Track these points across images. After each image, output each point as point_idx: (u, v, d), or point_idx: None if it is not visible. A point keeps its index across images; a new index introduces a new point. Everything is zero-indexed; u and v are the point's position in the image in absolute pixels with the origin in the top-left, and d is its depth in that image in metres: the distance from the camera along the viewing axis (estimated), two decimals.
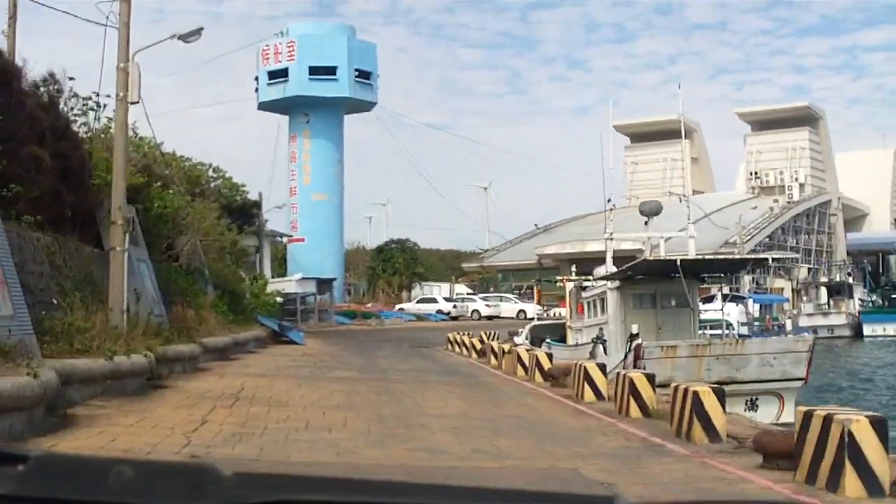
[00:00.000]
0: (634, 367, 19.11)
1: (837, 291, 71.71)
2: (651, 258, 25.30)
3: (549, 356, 20.32)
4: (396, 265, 72.48)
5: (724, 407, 10.53)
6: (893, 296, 71.35)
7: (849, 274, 78.42)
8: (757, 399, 21.28)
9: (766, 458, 8.76)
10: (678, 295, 23.34)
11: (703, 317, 27.94)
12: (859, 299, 72.82)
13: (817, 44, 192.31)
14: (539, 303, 49.50)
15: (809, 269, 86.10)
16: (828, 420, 7.46)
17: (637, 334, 21.54)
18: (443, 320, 56.27)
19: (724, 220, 66.44)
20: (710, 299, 37.27)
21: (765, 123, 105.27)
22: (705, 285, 28.68)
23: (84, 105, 20.45)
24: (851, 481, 7.19)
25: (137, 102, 17.70)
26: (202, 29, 18.79)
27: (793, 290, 79.43)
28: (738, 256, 36.12)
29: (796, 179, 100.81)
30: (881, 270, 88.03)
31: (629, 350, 21.06)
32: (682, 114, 34.53)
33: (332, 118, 62.02)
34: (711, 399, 10.41)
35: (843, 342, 62.00)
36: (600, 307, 25.91)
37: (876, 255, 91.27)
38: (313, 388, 16.16)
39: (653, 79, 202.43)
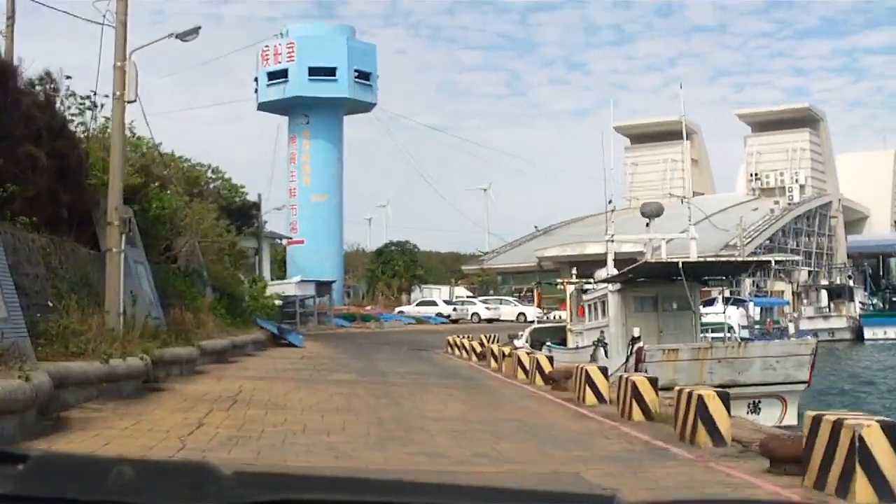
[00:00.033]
0: (636, 370, 18.96)
1: (838, 294, 71.48)
2: (652, 260, 25.12)
3: (550, 359, 20.13)
4: (396, 267, 72.30)
5: (728, 410, 10.37)
6: (894, 299, 71.13)
7: (849, 277, 78.17)
8: (759, 402, 21.11)
9: (772, 463, 8.58)
10: (680, 298, 23.17)
11: (703, 320, 27.75)
12: (860, 302, 72.59)
13: (817, 46, 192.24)
14: (539, 306, 49.32)
15: (810, 272, 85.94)
16: (838, 425, 7.29)
17: (638, 337, 21.36)
18: (442, 323, 56.07)
19: (725, 222, 66.34)
20: (710, 302, 37.11)
21: (765, 125, 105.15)
22: (706, 288, 28.52)
23: (81, 104, 20.27)
24: (862, 486, 7.01)
25: (134, 101, 17.55)
26: (199, 28, 18.65)
27: (793, 292, 79.25)
28: (740, 259, 35.96)
29: (797, 181, 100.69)
30: (881, 273, 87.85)
31: (630, 353, 20.88)
32: (684, 115, 34.41)
33: (331, 119, 61.88)
34: (716, 402, 10.24)
35: (844, 345, 61.74)
36: (601, 310, 25.73)
37: (876, 257, 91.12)
38: (312, 391, 16.00)
39: (653, 81, 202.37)
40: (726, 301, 34.59)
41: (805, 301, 75.24)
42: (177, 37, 18.54)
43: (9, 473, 1.49)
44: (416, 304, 63.09)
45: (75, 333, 13.89)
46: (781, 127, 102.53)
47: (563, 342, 29.37)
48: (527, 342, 30.20)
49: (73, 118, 20.90)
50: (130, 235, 18.91)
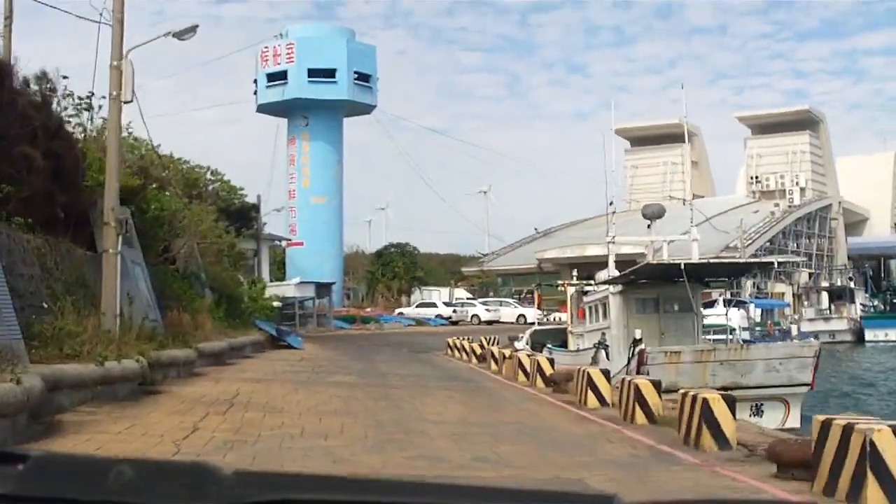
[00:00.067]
0: (638, 372, 18.78)
1: (839, 296, 71.34)
2: (654, 262, 24.93)
3: (551, 361, 19.94)
4: (396, 269, 72.12)
5: (734, 414, 10.18)
6: (895, 300, 70.95)
7: (850, 278, 78.03)
8: (762, 405, 20.94)
9: (780, 468, 8.40)
10: (682, 299, 23.00)
11: (704, 322, 27.57)
12: (860, 304, 72.43)
13: (817, 48, 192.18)
14: (539, 307, 49.15)
15: (810, 274, 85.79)
16: (848, 429, 7.11)
17: (640, 339, 21.17)
18: (442, 325, 55.92)
19: (725, 225, 66.14)
20: (710, 304, 36.94)
21: (765, 127, 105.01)
22: (707, 290, 28.34)
23: (77, 105, 20.09)
24: (874, 492, 6.83)
25: (131, 101, 17.37)
26: (197, 26, 18.46)
27: (793, 294, 79.08)
28: (743, 260, 35.81)
29: (797, 183, 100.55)
30: (882, 275, 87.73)
31: (632, 355, 20.70)
32: (686, 115, 34.25)
33: (331, 121, 61.67)
34: (721, 406, 10.06)
35: (845, 347, 61.56)
36: (602, 312, 25.55)
37: (876, 259, 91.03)
38: (310, 394, 15.81)
39: (652, 83, 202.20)
40: (729, 303, 34.39)
41: (806, 303, 75.10)
42: (174, 35, 18.36)
43: (9, 473, 1.49)
44: (416, 306, 62.92)
45: (70, 335, 13.70)
46: (781, 129, 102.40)
47: (564, 344, 29.20)
48: (527, 344, 30.03)
49: (70, 119, 20.74)
50: (127, 236, 18.73)
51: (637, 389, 12.64)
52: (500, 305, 63.55)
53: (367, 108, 63.65)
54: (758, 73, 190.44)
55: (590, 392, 14.98)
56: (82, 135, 21.28)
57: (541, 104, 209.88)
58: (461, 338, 33.23)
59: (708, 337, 27.09)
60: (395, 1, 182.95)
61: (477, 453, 9.79)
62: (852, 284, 75.35)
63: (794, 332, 47.55)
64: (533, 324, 39.08)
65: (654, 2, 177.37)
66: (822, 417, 7.69)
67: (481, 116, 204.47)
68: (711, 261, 27.61)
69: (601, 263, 29.06)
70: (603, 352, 23.66)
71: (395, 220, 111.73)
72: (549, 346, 28.78)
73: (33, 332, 13.12)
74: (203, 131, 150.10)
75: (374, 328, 51.29)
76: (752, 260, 36.44)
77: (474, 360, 28.39)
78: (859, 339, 65.49)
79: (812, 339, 29.98)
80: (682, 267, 21.48)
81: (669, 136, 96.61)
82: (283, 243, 59.50)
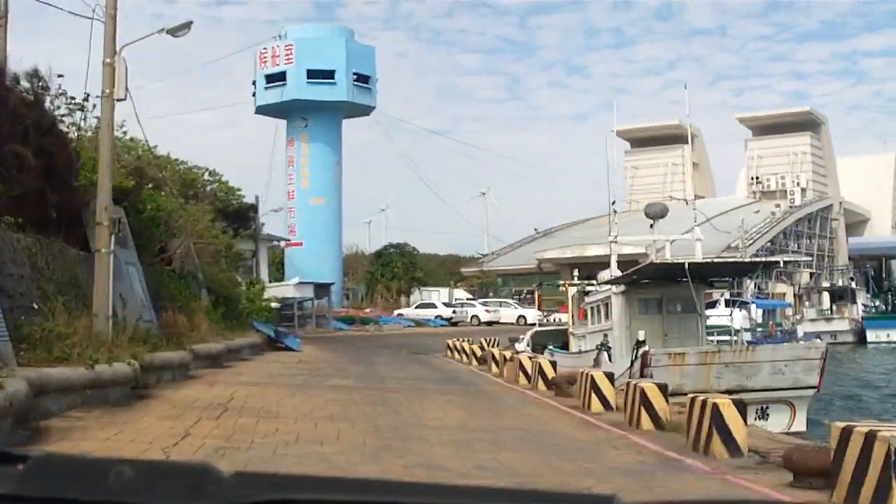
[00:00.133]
0: (641, 375, 18.44)
1: (840, 296, 70.94)
2: (658, 261, 24.55)
3: (553, 364, 19.55)
4: (395, 270, 71.76)
5: (745, 419, 9.82)
6: None
7: (851, 278, 77.66)
8: (767, 408, 20.56)
9: (796, 476, 8.03)
10: (685, 299, 22.64)
11: (707, 322, 27.19)
12: (862, 304, 72.04)
13: (817, 49, 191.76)
14: (540, 308, 48.80)
15: (811, 274, 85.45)
16: (870, 437, 6.75)
17: (644, 341, 20.81)
18: (442, 326, 55.56)
19: (726, 225, 65.77)
20: (712, 304, 36.56)
21: (766, 128, 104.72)
22: (710, 290, 27.97)
23: (69, 104, 19.74)
24: None
25: (124, 99, 17.01)
26: (191, 23, 18.09)
27: (795, 294, 78.72)
28: (748, 259, 35.43)
29: (798, 184, 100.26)
30: (883, 275, 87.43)
31: (636, 357, 20.33)
32: (689, 115, 33.91)
33: (330, 122, 61.31)
34: (731, 411, 9.70)
35: (847, 348, 61.12)
36: (604, 312, 25.20)
37: (877, 259, 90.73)
38: (307, 398, 15.44)
39: (652, 84, 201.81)
40: (734, 304, 34.04)
41: (807, 303, 74.69)
42: (168, 32, 18.00)
43: (9, 473, 1.48)
44: (416, 307, 62.55)
45: (60, 337, 13.35)
46: (782, 131, 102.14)
47: (565, 346, 28.83)
48: (528, 346, 29.67)
49: (64, 119, 20.38)
50: (121, 236, 18.38)
51: (643, 393, 12.28)
52: (500, 306, 63.18)
53: (366, 110, 63.29)
54: (758, 74, 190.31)
55: (593, 396, 14.61)
56: (76, 134, 20.93)
57: (540, 106, 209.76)
58: (461, 339, 32.88)
59: (711, 338, 26.72)
60: (395, 2, 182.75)
61: (478, 461, 9.44)
62: (853, 284, 74.96)
63: (800, 333, 47.14)
64: (533, 325, 38.68)
65: (654, 3, 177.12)
66: (841, 424, 7.32)
67: (481, 118, 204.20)
68: (716, 260, 27.26)
69: (601, 263, 28.72)
70: (605, 353, 23.32)
71: (394, 220, 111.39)
72: (551, 347, 28.43)
73: (22, 334, 12.78)
74: (202, 133, 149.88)
75: (374, 329, 50.93)
76: (758, 259, 36.02)
77: (474, 362, 28.02)
78: (861, 339, 65.07)
79: (818, 339, 29.63)
80: (686, 266, 21.09)
81: (669, 138, 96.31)
82: (282, 244, 59.14)
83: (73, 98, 20.10)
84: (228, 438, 10.11)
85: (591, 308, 26.55)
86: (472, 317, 59.87)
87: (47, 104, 19.62)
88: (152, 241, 23.77)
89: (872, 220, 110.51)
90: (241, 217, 44.75)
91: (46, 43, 51.44)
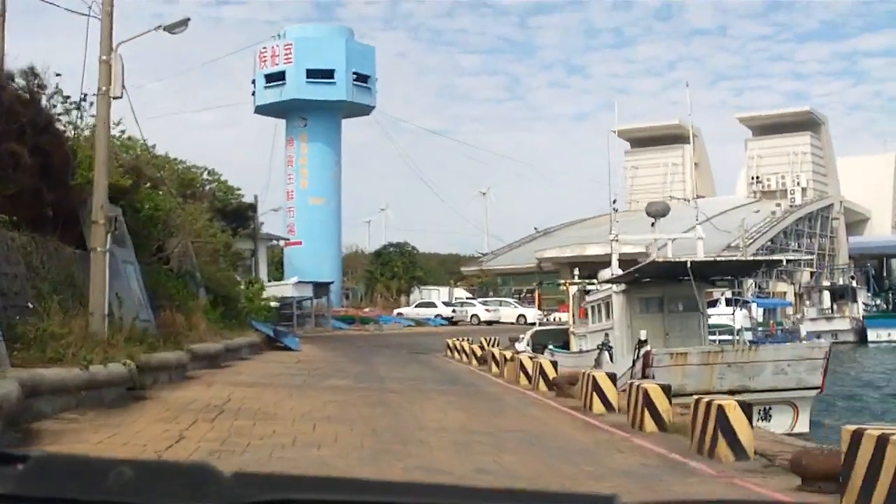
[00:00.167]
0: (643, 375, 18.25)
1: (841, 295, 70.73)
2: (660, 259, 24.35)
3: (554, 364, 19.36)
4: (395, 269, 71.58)
5: (751, 421, 9.63)
6: None
7: (852, 277, 77.48)
8: (770, 409, 20.36)
9: (804, 480, 7.85)
10: (686, 298, 22.43)
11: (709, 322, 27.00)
12: (863, 303, 71.86)
13: (817, 49, 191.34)
14: (540, 307, 48.63)
15: (812, 273, 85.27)
16: (882, 440, 6.56)
17: (645, 340, 20.60)
18: (442, 325, 55.36)
19: (726, 224, 65.55)
20: (713, 303, 36.37)
21: (766, 128, 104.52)
22: (712, 289, 27.77)
23: (64, 103, 19.56)
24: None
25: (120, 97, 16.85)
26: (188, 20, 17.91)
27: (795, 293, 78.54)
28: (750, 258, 35.24)
29: (798, 184, 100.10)
30: (884, 274, 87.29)
31: (637, 357, 20.13)
32: (690, 115, 33.70)
33: (329, 122, 61.12)
34: (737, 413, 9.51)
35: (848, 347, 60.90)
36: (605, 312, 25.00)
37: (878, 258, 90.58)
38: (305, 399, 15.26)
39: (652, 85, 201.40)
40: (735, 303, 33.86)
41: (808, 302, 74.50)
42: (165, 29, 17.83)
43: (9, 473, 1.49)
44: (416, 306, 62.37)
45: (54, 337, 13.16)
46: (783, 130, 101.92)
47: (566, 345, 28.63)
48: (528, 345, 29.47)
49: (61, 117, 20.20)
50: (118, 235, 18.21)
51: (646, 394, 12.09)
52: (500, 305, 62.99)
53: (365, 109, 63.10)
54: (758, 74, 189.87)
55: (595, 397, 14.42)
56: (73, 132, 20.75)
57: (540, 106, 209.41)
58: (461, 338, 32.70)
59: (712, 338, 26.52)
60: (395, 2, 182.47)
61: (478, 464, 9.26)
62: (854, 283, 74.79)
63: (803, 332, 46.88)
64: (533, 324, 38.50)
65: (654, 3, 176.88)
66: (852, 427, 7.13)
67: (481, 118, 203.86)
68: (719, 259, 27.06)
69: (601, 263, 28.52)
70: (606, 353, 23.12)
71: (394, 220, 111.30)
72: (551, 347, 28.24)
73: (16, 334, 12.59)
74: (202, 133, 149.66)
75: (373, 329, 50.75)
76: (761, 258, 35.84)
77: (474, 362, 27.83)
78: (862, 338, 64.89)
79: (821, 339, 29.44)
80: (689, 265, 20.88)
81: (669, 138, 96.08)
82: (282, 243, 58.99)
83: (68, 97, 19.94)
84: (224, 441, 9.92)
85: (592, 307, 26.35)
86: (472, 316, 59.68)
87: (44, 102, 19.46)
88: (150, 240, 23.60)
89: (872, 219, 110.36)
90: (240, 216, 44.61)
91: (44, 41, 51.30)
